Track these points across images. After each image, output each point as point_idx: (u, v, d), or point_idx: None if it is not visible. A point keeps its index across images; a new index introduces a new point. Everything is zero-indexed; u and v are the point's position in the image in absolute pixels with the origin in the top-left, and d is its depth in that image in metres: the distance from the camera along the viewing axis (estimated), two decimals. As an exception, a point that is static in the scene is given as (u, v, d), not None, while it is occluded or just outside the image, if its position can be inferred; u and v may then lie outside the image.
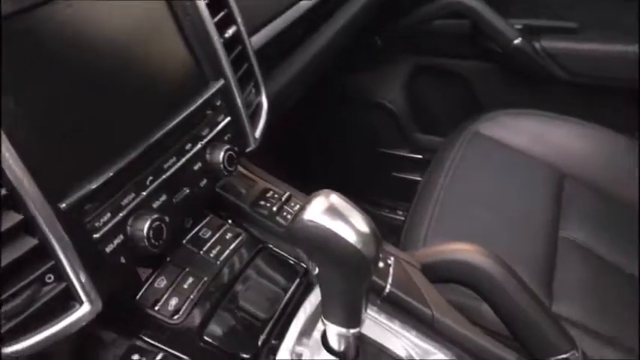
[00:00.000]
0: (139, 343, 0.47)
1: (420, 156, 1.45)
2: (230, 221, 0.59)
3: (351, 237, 0.39)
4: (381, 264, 0.58)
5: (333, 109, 1.47)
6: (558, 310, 0.78)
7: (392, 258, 0.59)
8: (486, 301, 0.60)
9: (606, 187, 1.03)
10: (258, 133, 0.62)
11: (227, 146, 0.54)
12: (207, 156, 0.54)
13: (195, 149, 0.52)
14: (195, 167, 0.52)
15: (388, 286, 0.55)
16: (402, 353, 0.51)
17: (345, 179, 1.57)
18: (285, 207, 0.61)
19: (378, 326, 0.52)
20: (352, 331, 0.45)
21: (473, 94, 1.38)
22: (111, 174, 0.44)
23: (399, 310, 0.55)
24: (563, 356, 0.56)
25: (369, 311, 0.53)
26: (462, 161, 1.04)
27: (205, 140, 0.53)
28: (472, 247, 0.60)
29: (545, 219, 0.92)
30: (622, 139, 1.12)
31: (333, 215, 0.40)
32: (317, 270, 0.43)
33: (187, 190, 0.51)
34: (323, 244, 0.40)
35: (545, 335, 0.57)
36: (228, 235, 0.57)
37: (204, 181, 0.53)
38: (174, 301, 0.50)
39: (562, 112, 1.16)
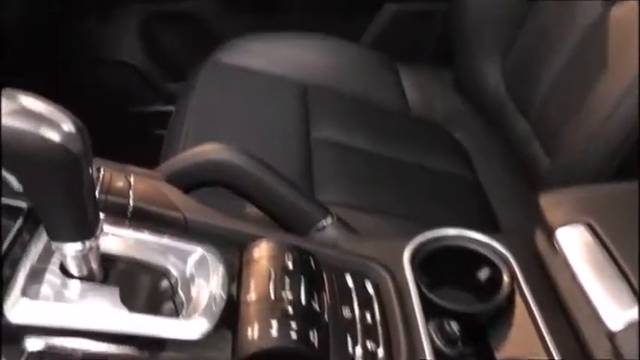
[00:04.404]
0: None
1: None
2: None
3: (50, 134, 0.35)
4: (120, 182, 0.53)
5: (65, 72, 1.34)
6: (322, 197, 0.81)
7: (132, 175, 0.55)
8: (241, 195, 0.59)
9: (346, 90, 1.10)
10: None
11: None
12: None
13: None
14: None
15: (131, 202, 0.51)
16: (158, 261, 0.48)
17: (100, 150, 1.46)
18: None
19: (125, 242, 0.48)
20: (88, 243, 0.41)
21: (209, 31, 1.36)
22: None
23: (150, 222, 0.52)
24: (320, 223, 0.58)
25: (116, 231, 0.49)
26: (205, 93, 1.02)
27: None
28: (215, 145, 0.59)
29: (295, 126, 0.96)
30: (349, 45, 1.22)
31: (27, 115, 0.35)
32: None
33: None
34: (20, 150, 0.35)
35: (300, 209, 0.59)
36: None
37: None
38: None
39: (296, 31, 1.21)
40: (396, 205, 0.83)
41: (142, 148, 1.43)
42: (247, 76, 1.08)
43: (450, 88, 1.18)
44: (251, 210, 0.62)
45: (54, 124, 0.36)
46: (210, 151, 0.59)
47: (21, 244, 0.46)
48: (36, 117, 0.36)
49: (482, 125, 1.11)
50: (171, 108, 1.40)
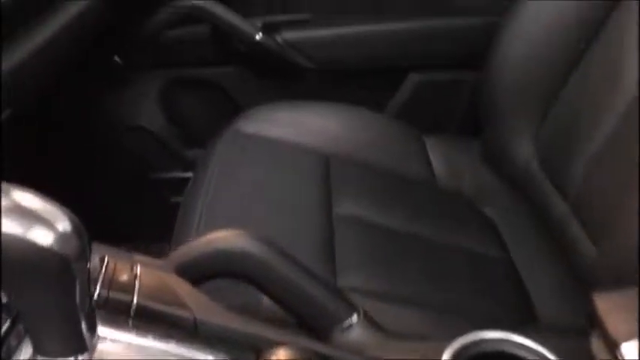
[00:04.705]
0: None
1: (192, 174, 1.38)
2: None
3: (41, 236, 0.31)
4: (125, 276, 0.48)
5: (85, 140, 1.32)
6: (345, 283, 0.76)
7: (138, 266, 0.50)
8: (257, 287, 0.54)
9: (370, 161, 1.06)
10: None
11: None
12: None
13: None
14: None
15: (135, 299, 0.46)
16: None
17: (117, 218, 1.43)
18: None
19: (126, 350, 0.42)
20: (80, 357, 0.35)
21: (230, 98, 1.34)
22: None
23: (156, 323, 0.46)
24: (346, 323, 0.52)
25: (115, 335, 0.43)
26: (224, 162, 0.99)
27: None
28: (228, 233, 0.54)
29: (317, 201, 0.91)
30: (373, 115, 1.19)
31: (17, 215, 0.31)
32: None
33: None
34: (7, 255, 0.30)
35: (322, 306, 0.52)
36: None
37: None
38: None
39: (318, 100, 1.18)
40: (426, 295, 0.76)
41: (159, 215, 1.41)
42: (267, 146, 1.04)
43: (479, 160, 1.13)
44: (269, 303, 0.56)
45: (47, 224, 0.31)
46: (222, 239, 0.54)
47: (7, 351, 0.40)
48: (27, 216, 0.31)
49: (513, 201, 1.05)
50: (189, 175, 1.38)
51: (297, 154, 1.03)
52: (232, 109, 1.35)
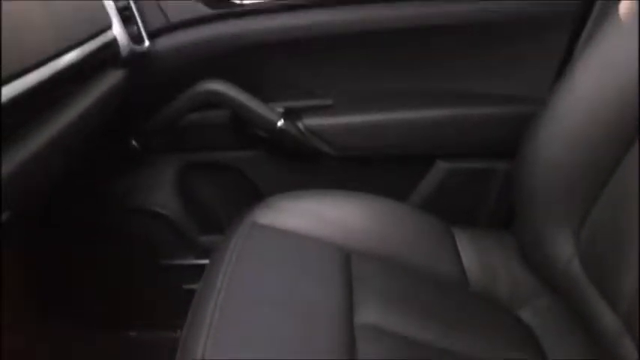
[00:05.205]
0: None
1: (207, 261, 1.31)
2: None
3: None
4: None
5: (97, 224, 1.28)
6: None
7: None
8: None
9: (396, 258, 0.98)
10: None
11: None
12: None
13: None
14: None
15: None
16: None
17: (127, 304, 1.36)
18: None
19: None
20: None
21: (249, 183, 1.29)
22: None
23: None
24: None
25: None
26: (239, 258, 0.92)
27: None
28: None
29: (336, 305, 0.83)
30: (399, 206, 1.12)
31: None
32: None
33: None
34: None
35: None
36: None
37: None
38: None
39: (339, 188, 1.12)
40: None
41: (170, 302, 1.34)
42: (284, 240, 0.97)
43: (513, 257, 1.05)
44: None
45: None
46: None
47: None
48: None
49: (553, 304, 0.96)
50: (202, 262, 1.32)
51: (315, 250, 0.96)
52: (251, 193, 1.30)
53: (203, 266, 1.31)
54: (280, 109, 1.20)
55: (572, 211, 0.92)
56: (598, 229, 0.88)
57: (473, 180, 1.20)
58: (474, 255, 1.05)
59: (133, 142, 1.23)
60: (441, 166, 1.19)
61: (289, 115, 1.19)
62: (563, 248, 0.94)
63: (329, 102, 1.22)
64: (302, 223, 1.01)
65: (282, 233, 0.99)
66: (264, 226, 1.00)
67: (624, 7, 0.86)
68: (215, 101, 1.17)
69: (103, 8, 0.97)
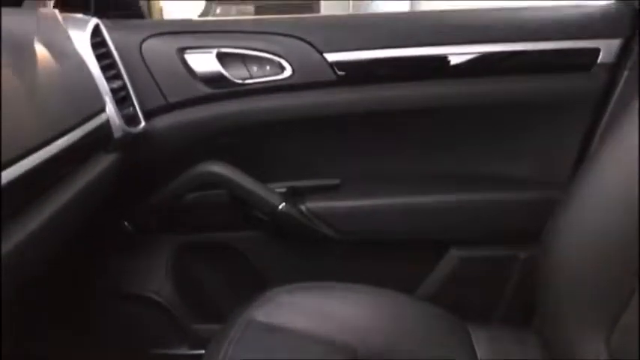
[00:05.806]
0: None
1: (202, 351, 1.22)
2: None
3: None
4: None
5: (88, 309, 1.20)
6: None
7: None
8: None
9: (402, 358, 0.89)
10: None
11: None
12: None
13: None
14: None
15: None
16: None
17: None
18: None
19: None
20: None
21: (249, 265, 1.22)
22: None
23: None
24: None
25: None
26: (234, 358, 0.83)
27: None
28: None
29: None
30: (408, 300, 1.03)
31: None
32: None
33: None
34: None
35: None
36: None
37: None
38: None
39: (343, 273, 1.04)
40: None
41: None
42: (283, 339, 0.89)
43: (534, 355, 0.95)
44: None
45: None
46: None
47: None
48: None
49: None
50: (197, 352, 1.23)
51: (317, 350, 0.87)
52: (250, 276, 1.22)
53: (197, 356, 1.23)
54: (282, 189, 1.14)
55: (602, 313, 0.83)
56: (629, 339, 0.78)
57: (489, 269, 1.12)
58: (491, 353, 0.95)
59: (128, 226, 1.16)
60: (455, 254, 1.11)
61: (291, 196, 1.13)
62: (592, 353, 0.84)
63: (336, 181, 1.16)
64: (302, 321, 0.92)
65: (280, 331, 0.90)
66: (262, 323, 0.92)
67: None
68: (213, 182, 1.11)
69: (97, 90, 0.92)
